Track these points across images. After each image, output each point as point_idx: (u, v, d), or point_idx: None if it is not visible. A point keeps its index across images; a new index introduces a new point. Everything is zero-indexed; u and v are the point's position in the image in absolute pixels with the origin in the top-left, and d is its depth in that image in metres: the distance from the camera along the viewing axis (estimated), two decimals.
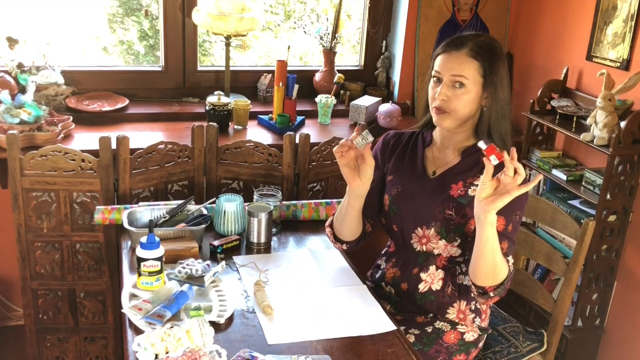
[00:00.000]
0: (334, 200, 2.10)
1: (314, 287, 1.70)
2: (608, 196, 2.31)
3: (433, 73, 1.67)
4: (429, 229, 1.70)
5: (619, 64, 2.42)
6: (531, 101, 2.61)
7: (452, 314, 1.73)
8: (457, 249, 1.70)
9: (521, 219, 1.66)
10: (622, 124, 2.23)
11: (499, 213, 1.58)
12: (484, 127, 1.66)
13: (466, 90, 1.61)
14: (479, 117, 1.67)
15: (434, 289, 1.73)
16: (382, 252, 1.90)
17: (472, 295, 1.69)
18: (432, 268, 1.73)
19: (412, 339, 1.68)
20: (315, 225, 2.05)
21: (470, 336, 1.73)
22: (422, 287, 1.73)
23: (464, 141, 1.72)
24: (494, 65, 1.61)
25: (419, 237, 1.72)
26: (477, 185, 1.59)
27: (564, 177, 2.47)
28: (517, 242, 1.69)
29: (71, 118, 2.43)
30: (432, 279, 1.73)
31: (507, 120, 1.67)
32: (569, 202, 2.51)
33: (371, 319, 1.57)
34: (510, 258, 1.61)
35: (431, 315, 1.74)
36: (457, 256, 1.72)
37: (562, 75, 2.66)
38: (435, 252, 1.72)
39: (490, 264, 1.55)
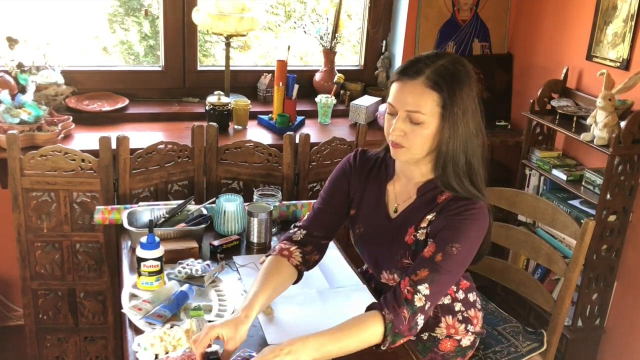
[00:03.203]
0: None
1: (314, 287, 1.70)
2: (608, 196, 2.31)
3: (387, 105, 1.48)
4: (392, 274, 1.60)
5: (619, 64, 2.42)
6: (531, 101, 2.61)
7: (442, 329, 1.67)
8: None
9: (461, 254, 1.43)
10: (622, 124, 2.23)
11: (431, 238, 1.46)
12: (439, 161, 1.48)
13: (424, 125, 1.42)
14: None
15: None
16: (361, 270, 1.85)
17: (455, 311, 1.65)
18: None
19: None
20: None
21: (466, 341, 1.70)
22: None
23: (424, 175, 1.54)
24: (454, 94, 1.41)
25: (386, 278, 1.63)
26: (423, 228, 1.50)
27: (564, 177, 2.47)
28: (455, 274, 1.46)
29: (71, 118, 2.43)
30: None
31: (468, 155, 1.46)
32: (569, 202, 2.50)
33: None
34: (422, 287, 1.40)
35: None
36: None
37: (562, 75, 2.66)
38: None
39: (353, 350, 1.38)
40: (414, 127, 1.43)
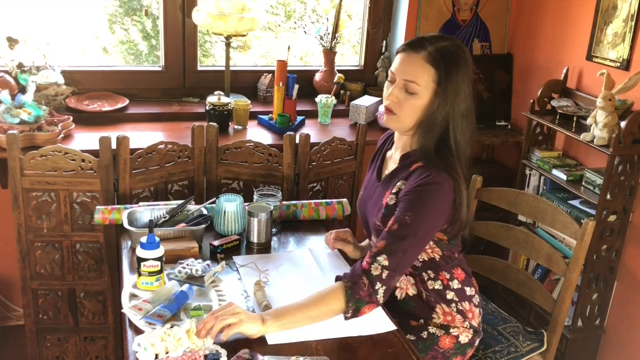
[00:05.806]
0: (334, 200, 2.10)
1: (314, 287, 1.69)
2: (608, 196, 2.31)
3: (389, 72, 1.61)
4: (376, 238, 1.66)
5: (619, 64, 2.42)
6: (531, 101, 2.62)
7: (438, 317, 1.68)
8: None
9: (415, 222, 1.50)
10: (622, 124, 2.23)
11: (393, 211, 1.56)
12: (423, 132, 1.57)
13: (417, 96, 1.55)
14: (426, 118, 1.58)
15: (410, 295, 1.69)
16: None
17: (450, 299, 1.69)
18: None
19: None
20: (315, 225, 2.05)
21: (464, 337, 1.70)
22: (398, 294, 1.69)
23: (410, 145, 1.65)
24: (450, 74, 1.53)
25: (374, 242, 1.66)
26: (394, 194, 1.59)
27: (564, 177, 2.47)
28: (410, 241, 1.50)
29: (71, 118, 2.43)
30: (405, 286, 1.69)
31: (456, 133, 1.56)
32: (569, 202, 2.51)
33: (371, 319, 1.57)
34: (381, 258, 1.49)
35: (422, 320, 1.70)
36: (415, 264, 1.68)
37: (562, 75, 2.66)
38: None
39: (320, 318, 1.50)
40: (407, 96, 1.56)
